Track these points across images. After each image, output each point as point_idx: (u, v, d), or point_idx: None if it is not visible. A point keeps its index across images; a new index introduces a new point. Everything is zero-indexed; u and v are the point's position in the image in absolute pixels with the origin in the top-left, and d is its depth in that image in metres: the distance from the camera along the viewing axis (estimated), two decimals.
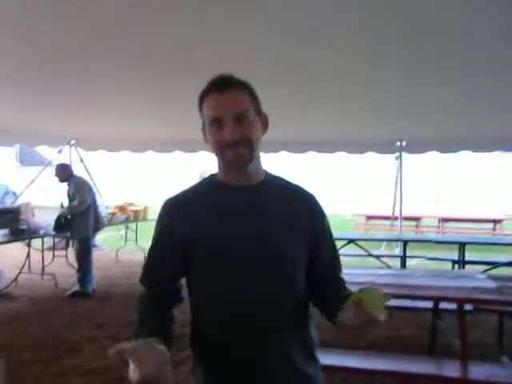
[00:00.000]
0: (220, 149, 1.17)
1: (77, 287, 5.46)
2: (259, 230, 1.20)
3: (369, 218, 11.06)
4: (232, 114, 1.14)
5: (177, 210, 1.28)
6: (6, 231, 5.13)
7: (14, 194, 15.73)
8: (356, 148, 6.95)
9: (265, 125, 1.24)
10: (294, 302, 1.23)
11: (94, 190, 5.86)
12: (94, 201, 5.62)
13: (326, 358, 1.76)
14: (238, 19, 2.39)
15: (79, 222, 5.37)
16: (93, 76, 3.53)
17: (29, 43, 2.77)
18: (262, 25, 2.42)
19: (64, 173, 5.46)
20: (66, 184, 5.48)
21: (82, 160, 8.13)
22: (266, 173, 1.30)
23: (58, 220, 5.49)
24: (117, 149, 7.75)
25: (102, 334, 4.16)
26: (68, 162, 7.36)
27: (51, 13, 2.36)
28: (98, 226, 5.72)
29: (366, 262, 6.70)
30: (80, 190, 5.38)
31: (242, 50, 2.82)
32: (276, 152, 6.88)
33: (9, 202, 12.91)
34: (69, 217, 5.41)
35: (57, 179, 5.46)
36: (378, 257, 6.57)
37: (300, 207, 1.27)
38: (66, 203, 5.49)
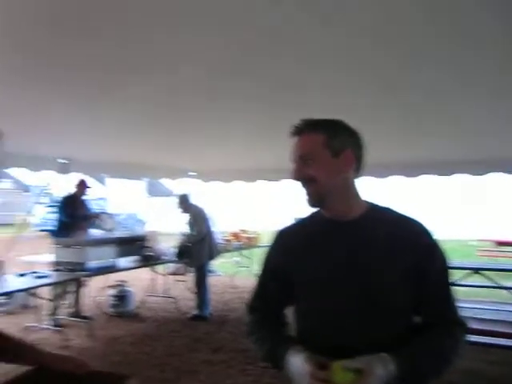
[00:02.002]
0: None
1: (196, 311, 5.79)
2: (357, 268, 1.22)
3: (499, 243, 9.98)
4: (298, 156, 1.28)
5: (284, 240, 1.40)
6: (136, 257, 5.67)
7: (142, 221, 17.37)
8: (477, 169, 6.40)
9: (347, 163, 1.27)
10: (395, 344, 1.19)
11: (210, 218, 6.22)
12: (210, 230, 5.96)
13: None
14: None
15: (196, 250, 5.76)
16: (209, 114, 3.82)
17: (154, 90, 3.11)
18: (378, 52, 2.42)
19: (184, 203, 5.92)
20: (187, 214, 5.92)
21: (199, 190, 8.71)
22: (369, 205, 1.32)
23: (179, 248, 5.96)
24: (230, 179, 8.17)
25: (218, 358, 4.33)
26: (187, 193, 7.99)
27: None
28: (213, 254, 6.03)
29: (494, 295, 6.06)
30: (197, 219, 5.79)
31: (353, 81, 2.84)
32: (385, 177, 6.64)
33: (138, 229, 14.25)
34: (189, 244, 5.82)
35: (180, 209, 5.93)
36: (510, 289, 5.88)
37: (403, 242, 1.24)
38: (186, 231, 5.91)
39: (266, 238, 7.72)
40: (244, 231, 8.08)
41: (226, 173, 7.77)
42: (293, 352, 1.19)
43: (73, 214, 5.51)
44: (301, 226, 1.40)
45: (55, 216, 5.83)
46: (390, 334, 1.22)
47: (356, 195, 1.31)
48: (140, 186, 21.05)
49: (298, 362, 1.16)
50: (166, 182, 12.44)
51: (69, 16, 1.95)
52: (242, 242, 7.72)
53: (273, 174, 7.35)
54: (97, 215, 6.11)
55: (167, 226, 11.54)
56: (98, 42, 2.25)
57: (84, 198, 5.85)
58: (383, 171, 6.36)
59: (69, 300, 5.53)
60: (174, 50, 2.37)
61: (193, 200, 6.12)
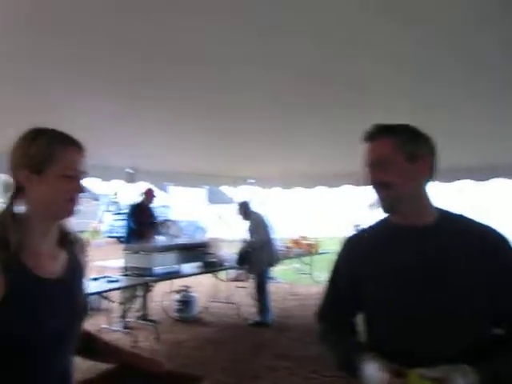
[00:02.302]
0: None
1: (257, 317, 5.84)
2: (428, 277, 1.19)
3: None
4: (371, 162, 1.27)
5: (354, 248, 1.38)
6: (198, 263, 5.82)
7: (203, 229, 17.79)
8: None
9: (422, 168, 1.25)
10: (471, 354, 1.15)
11: (270, 225, 6.28)
12: (270, 236, 6.01)
13: None
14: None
15: (256, 257, 5.82)
16: (267, 122, 3.87)
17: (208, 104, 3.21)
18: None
19: (244, 210, 6.02)
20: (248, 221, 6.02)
21: (258, 198, 8.80)
22: (441, 212, 1.29)
23: (240, 254, 6.06)
24: (290, 186, 8.18)
25: (281, 364, 4.33)
26: (247, 200, 8.12)
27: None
28: (273, 261, 6.08)
29: None
30: (257, 226, 5.88)
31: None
32: (451, 182, 6.34)
33: (199, 237, 14.63)
34: (249, 250, 5.90)
35: (240, 216, 6.06)
36: None
37: (481, 252, 1.19)
38: (246, 238, 6.02)
39: (327, 245, 7.64)
40: (304, 238, 8.06)
41: (285, 179, 7.79)
42: (368, 360, 1.18)
43: (140, 221, 5.77)
44: (370, 232, 1.39)
45: (124, 223, 6.13)
46: (464, 344, 1.17)
47: (428, 201, 1.29)
48: (201, 193, 21.70)
49: (373, 370, 1.14)
50: (226, 190, 12.70)
51: (142, 37, 2.07)
52: (303, 249, 7.69)
53: (333, 180, 7.28)
54: (162, 222, 6.35)
55: (228, 232, 11.75)
56: (171, 58, 2.36)
57: (150, 206, 6.11)
58: (451, 175, 6.09)
59: (137, 304, 5.77)
60: (238, 60, 2.43)
61: (253, 207, 6.20)
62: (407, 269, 1.22)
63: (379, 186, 1.25)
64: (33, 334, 1.08)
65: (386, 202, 1.26)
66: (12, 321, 1.06)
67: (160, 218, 6.94)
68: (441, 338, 1.17)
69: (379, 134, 1.27)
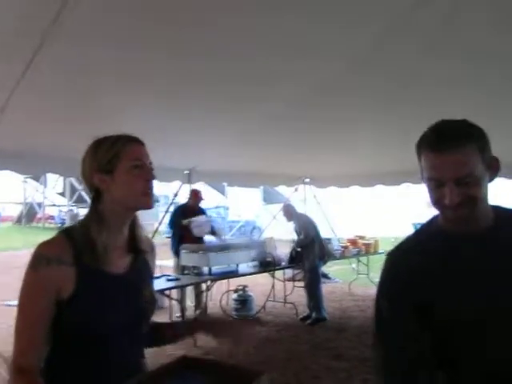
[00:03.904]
0: (439, 208, 1.09)
1: (314, 314, 5.84)
2: (489, 286, 1.06)
3: None
4: (453, 178, 1.02)
5: (408, 262, 1.17)
6: (255, 263, 5.88)
7: (260, 228, 17.91)
8: None
9: (495, 169, 1.09)
10: None
11: (324, 224, 6.31)
12: (318, 233, 6.13)
13: None
14: None
15: (307, 253, 5.92)
16: (326, 121, 3.85)
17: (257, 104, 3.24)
18: None
19: (288, 212, 6.16)
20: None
21: (315, 196, 8.72)
22: (498, 213, 1.13)
23: (290, 254, 6.19)
24: (347, 184, 8.03)
25: (339, 365, 4.27)
26: (302, 199, 8.10)
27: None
28: (324, 256, 6.16)
29: None
30: (304, 225, 6.01)
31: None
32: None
33: (256, 237, 14.74)
34: (298, 249, 6.01)
35: (285, 218, 6.22)
36: None
37: None
38: (295, 237, 6.16)
39: (384, 245, 7.42)
40: (361, 237, 7.89)
41: (342, 178, 7.66)
42: None
43: (176, 224, 5.87)
44: (423, 242, 1.18)
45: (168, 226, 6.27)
46: None
47: (488, 204, 1.12)
48: (256, 194, 21.87)
49: None
50: (282, 189, 12.71)
51: (197, 40, 2.13)
52: (360, 249, 7.54)
53: (391, 178, 7.06)
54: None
55: (283, 232, 11.77)
56: (228, 58, 2.41)
57: (200, 207, 6.22)
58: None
59: (196, 302, 5.92)
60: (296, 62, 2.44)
61: (297, 208, 6.39)
62: (479, 285, 1.07)
63: (462, 204, 1.03)
64: (97, 324, 1.15)
65: (467, 219, 1.07)
66: (79, 311, 1.13)
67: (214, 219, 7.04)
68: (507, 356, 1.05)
69: (457, 140, 1.02)
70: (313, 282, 5.94)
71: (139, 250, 1.30)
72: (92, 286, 1.16)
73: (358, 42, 2.23)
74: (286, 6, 1.90)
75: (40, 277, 1.13)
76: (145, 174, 1.22)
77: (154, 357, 1.49)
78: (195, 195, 6.12)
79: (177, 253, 5.68)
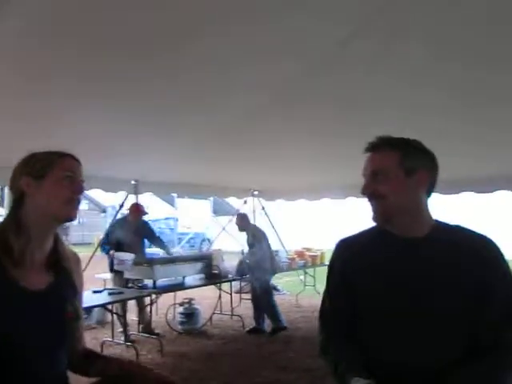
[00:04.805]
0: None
1: (274, 324, 5.89)
2: (414, 287, 1.20)
3: None
4: (370, 171, 1.28)
5: (347, 252, 1.38)
6: (201, 275, 5.80)
7: (209, 240, 17.78)
8: None
9: (419, 183, 1.25)
10: (450, 362, 1.15)
11: (272, 236, 6.35)
12: (269, 246, 6.16)
13: None
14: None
15: (258, 265, 5.86)
16: (274, 135, 3.90)
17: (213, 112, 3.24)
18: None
19: (242, 222, 6.11)
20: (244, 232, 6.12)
21: (263, 208, 8.79)
22: (437, 224, 1.28)
23: (239, 265, 6.14)
24: (294, 198, 8.16)
25: (286, 377, 4.28)
26: (251, 211, 8.11)
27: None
28: (275, 268, 6.24)
29: None
30: (256, 238, 5.96)
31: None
32: (457, 193, 6.29)
33: (205, 249, 14.60)
34: (247, 261, 5.98)
35: (238, 228, 6.15)
36: None
37: (468, 258, 1.20)
38: (246, 249, 6.11)
39: (330, 257, 7.60)
40: (308, 249, 8.01)
41: (289, 191, 7.79)
42: (357, 380, 1.17)
43: (119, 236, 5.36)
44: (363, 238, 1.39)
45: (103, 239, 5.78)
46: (453, 356, 1.17)
47: (425, 214, 1.28)
48: (206, 205, 21.73)
49: None
50: (232, 201, 12.70)
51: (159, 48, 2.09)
52: (307, 261, 7.65)
53: (338, 192, 7.26)
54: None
55: (233, 244, 11.77)
56: (177, 70, 2.39)
57: (145, 221, 5.96)
58: (454, 187, 6.04)
59: (139, 316, 5.74)
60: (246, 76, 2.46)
61: (251, 219, 6.31)
62: (399, 279, 1.22)
63: (373, 197, 1.27)
64: (12, 343, 1.08)
65: (378, 214, 1.27)
66: None
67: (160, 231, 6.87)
68: (431, 348, 1.17)
69: (383, 145, 1.28)
70: (266, 294, 5.91)
71: (61, 267, 1.25)
72: (5, 302, 1.10)
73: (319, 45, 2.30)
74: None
75: None
76: (74, 185, 1.23)
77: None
78: (135, 209, 5.69)
79: (112, 269, 5.40)
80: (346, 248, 1.39)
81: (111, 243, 5.42)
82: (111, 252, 5.31)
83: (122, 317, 5.13)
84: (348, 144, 3.82)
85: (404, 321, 1.20)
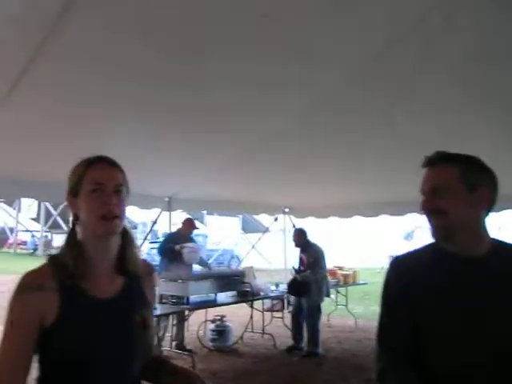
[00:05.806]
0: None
1: (309, 348, 5.70)
2: (470, 308, 1.17)
3: None
4: (429, 187, 1.25)
5: (405, 272, 1.32)
6: (233, 293, 5.80)
7: (238, 257, 17.77)
8: None
9: (481, 200, 1.22)
10: None
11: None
12: (325, 267, 6.03)
13: None
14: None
15: (316, 288, 5.72)
16: (305, 152, 3.92)
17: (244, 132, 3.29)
18: None
19: (300, 238, 5.98)
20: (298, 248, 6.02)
21: (294, 226, 8.75)
22: (496, 242, 1.26)
23: (292, 283, 5.91)
24: (325, 215, 8.09)
25: None
26: (283, 229, 8.07)
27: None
28: (328, 289, 6.11)
29: None
30: (318, 256, 5.84)
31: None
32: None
33: (234, 266, 14.59)
34: (299, 279, 5.78)
35: (294, 243, 6.03)
36: None
37: None
38: (296, 267, 5.97)
39: (363, 276, 7.43)
40: (340, 268, 7.89)
41: (320, 208, 7.74)
42: None
43: (166, 251, 5.77)
44: (420, 257, 1.34)
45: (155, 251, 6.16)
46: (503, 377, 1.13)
47: (484, 232, 1.25)
48: (235, 222, 21.79)
49: None
50: (261, 219, 12.70)
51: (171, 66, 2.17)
52: (339, 279, 7.52)
53: (369, 210, 7.17)
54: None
55: (261, 261, 11.70)
56: (208, 90, 2.46)
57: (192, 236, 6.13)
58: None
59: (172, 332, 5.77)
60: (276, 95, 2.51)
61: (282, 237, 6.21)
62: (464, 303, 1.18)
63: (434, 214, 1.23)
64: (84, 353, 1.12)
65: (438, 231, 1.23)
66: (62, 337, 1.11)
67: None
68: (499, 379, 1.13)
69: (443, 160, 1.25)
70: (314, 317, 5.73)
71: (130, 273, 1.25)
72: (76, 312, 1.14)
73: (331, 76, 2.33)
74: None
75: (22, 304, 1.11)
76: (104, 197, 1.16)
77: None
78: (189, 223, 6.00)
79: None
80: (404, 266, 1.33)
81: (165, 251, 5.73)
82: (177, 247, 5.59)
83: (156, 332, 5.17)
84: (380, 162, 3.81)
85: (471, 344, 1.16)
